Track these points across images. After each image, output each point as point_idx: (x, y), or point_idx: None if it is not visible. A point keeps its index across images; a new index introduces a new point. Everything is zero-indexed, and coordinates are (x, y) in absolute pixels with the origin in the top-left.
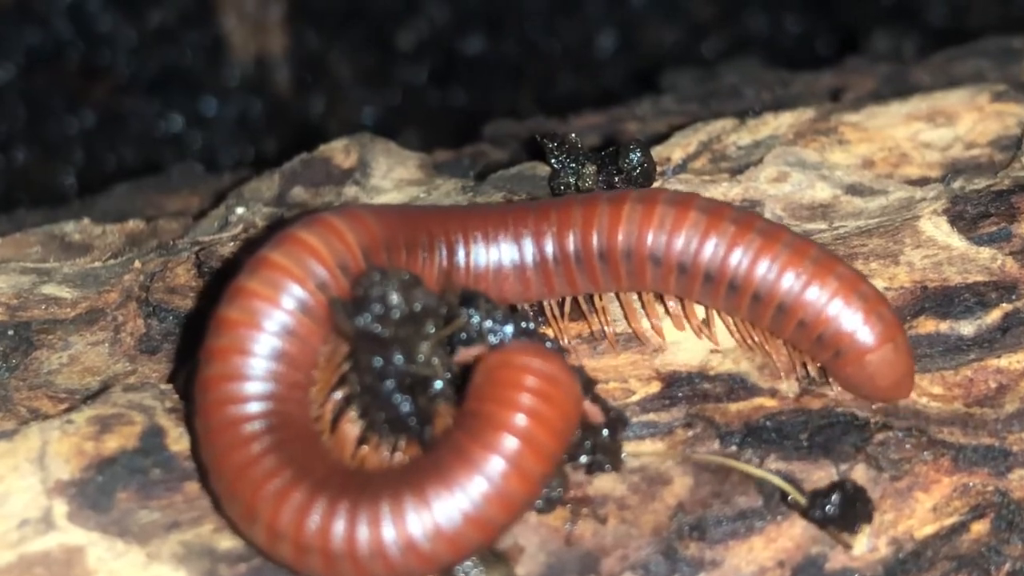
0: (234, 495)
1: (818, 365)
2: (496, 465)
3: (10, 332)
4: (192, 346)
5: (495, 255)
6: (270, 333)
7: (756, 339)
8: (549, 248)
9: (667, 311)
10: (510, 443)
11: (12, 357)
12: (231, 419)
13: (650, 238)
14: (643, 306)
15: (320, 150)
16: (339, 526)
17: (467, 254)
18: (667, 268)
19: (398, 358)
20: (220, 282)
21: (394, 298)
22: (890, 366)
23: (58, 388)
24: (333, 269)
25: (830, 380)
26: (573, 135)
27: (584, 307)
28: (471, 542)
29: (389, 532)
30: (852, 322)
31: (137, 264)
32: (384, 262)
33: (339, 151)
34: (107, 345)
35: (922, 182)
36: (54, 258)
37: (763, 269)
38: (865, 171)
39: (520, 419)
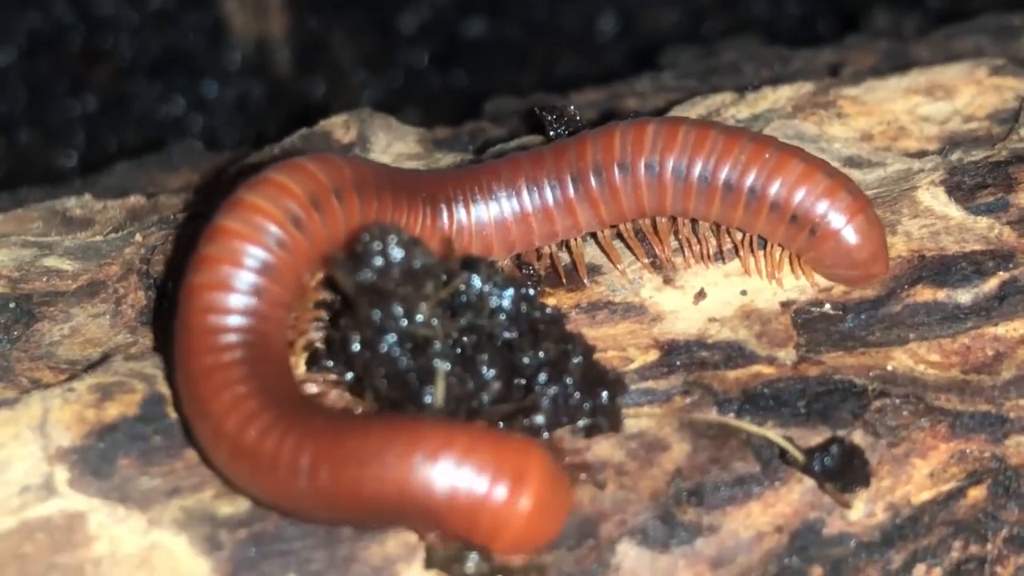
0: (194, 394)
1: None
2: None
3: (11, 304)
4: None
5: (499, 203)
6: (248, 268)
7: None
8: (558, 183)
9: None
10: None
11: (13, 329)
12: (210, 327)
13: (644, 152)
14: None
15: (320, 125)
16: (270, 441)
17: (464, 204)
18: (662, 179)
19: (398, 311)
20: None
21: (395, 252)
22: (865, 236)
23: (59, 359)
24: (306, 206)
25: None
26: (572, 107)
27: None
28: (361, 502)
29: (304, 461)
30: (822, 196)
31: (138, 237)
32: (355, 206)
33: (339, 126)
34: (108, 317)
35: (920, 155)
36: (55, 233)
37: (731, 162)
38: (863, 144)
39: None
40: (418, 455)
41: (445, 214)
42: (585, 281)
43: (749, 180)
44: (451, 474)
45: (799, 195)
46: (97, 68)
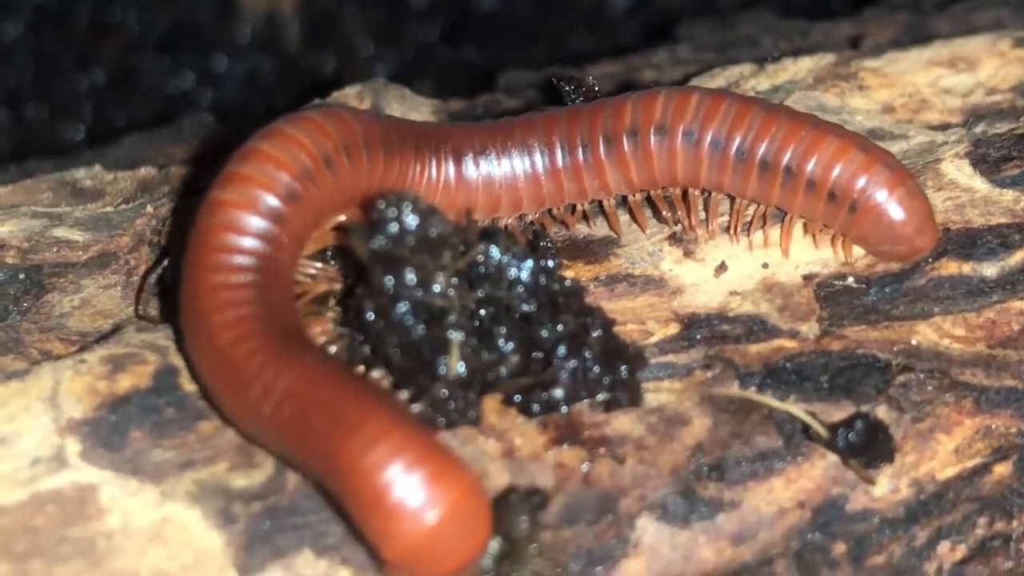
0: (198, 306)
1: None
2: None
3: (21, 276)
4: None
5: (511, 160)
6: (272, 194)
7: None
8: (572, 148)
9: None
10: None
11: (23, 300)
12: (226, 245)
13: (685, 119)
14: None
15: (334, 96)
16: (255, 362)
17: (474, 162)
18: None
19: (411, 279)
20: None
21: (410, 219)
22: (908, 209)
23: (70, 331)
24: (316, 158)
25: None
26: (590, 78)
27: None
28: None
29: (277, 389)
30: (859, 171)
31: (149, 209)
32: (362, 160)
33: (352, 97)
34: (119, 288)
35: (943, 127)
36: (65, 204)
37: (768, 140)
38: (885, 116)
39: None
40: (365, 428)
41: (452, 167)
42: (621, 236)
43: (785, 159)
44: (378, 458)
45: (835, 172)
46: (105, 42)
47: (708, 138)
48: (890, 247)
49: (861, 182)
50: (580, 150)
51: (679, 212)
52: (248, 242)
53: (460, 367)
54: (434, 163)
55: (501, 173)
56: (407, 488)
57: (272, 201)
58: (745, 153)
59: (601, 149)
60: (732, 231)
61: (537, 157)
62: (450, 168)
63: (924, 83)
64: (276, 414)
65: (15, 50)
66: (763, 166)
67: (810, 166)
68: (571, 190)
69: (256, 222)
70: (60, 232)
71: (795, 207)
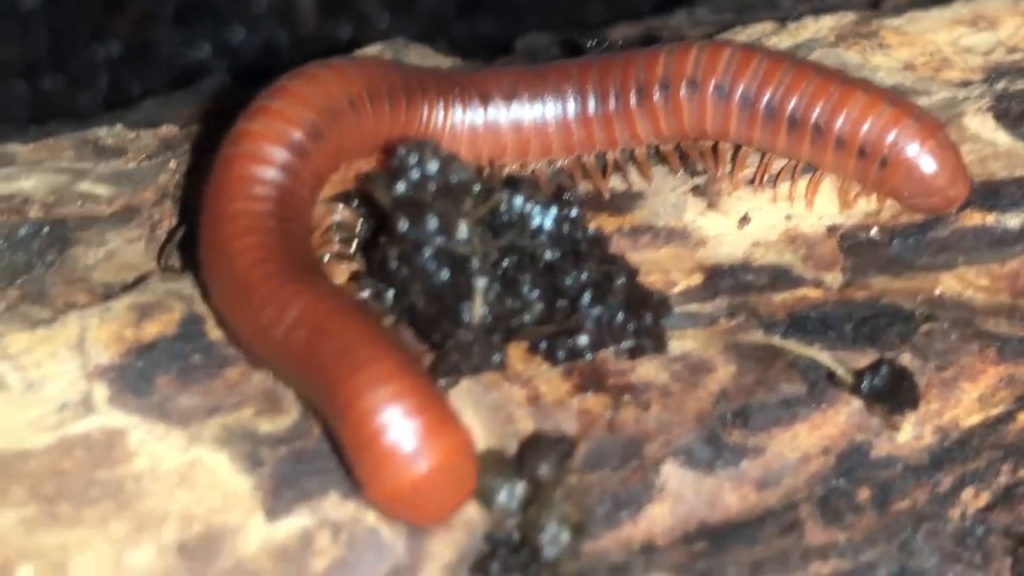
0: (218, 230)
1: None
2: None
3: (45, 230)
4: None
5: (543, 105)
6: (298, 128)
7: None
8: (606, 96)
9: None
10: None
11: (48, 254)
12: (250, 175)
13: (716, 73)
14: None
15: (355, 54)
16: (269, 286)
17: (484, 108)
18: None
19: (434, 223)
20: None
21: (431, 166)
22: (940, 162)
23: (95, 283)
24: (340, 100)
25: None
26: (612, 32)
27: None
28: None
29: (289, 315)
30: (888, 126)
31: (172, 164)
32: (385, 106)
33: (373, 55)
34: (143, 242)
35: (964, 84)
36: (88, 161)
37: (796, 96)
38: (907, 73)
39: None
40: (371, 368)
41: (480, 111)
42: (651, 183)
43: (814, 116)
44: (378, 400)
45: (864, 128)
46: (121, 13)
47: (738, 93)
48: (923, 200)
49: (891, 137)
50: (612, 99)
51: (708, 162)
52: (270, 172)
53: (484, 312)
54: (460, 108)
55: (531, 118)
56: (401, 434)
57: (296, 135)
58: (775, 109)
59: (632, 99)
60: (757, 182)
61: (570, 103)
62: (477, 112)
63: (945, 42)
64: (287, 339)
65: (31, 21)
66: (792, 123)
67: (839, 123)
68: (601, 138)
69: (279, 154)
70: (84, 187)
71: (826, 164)
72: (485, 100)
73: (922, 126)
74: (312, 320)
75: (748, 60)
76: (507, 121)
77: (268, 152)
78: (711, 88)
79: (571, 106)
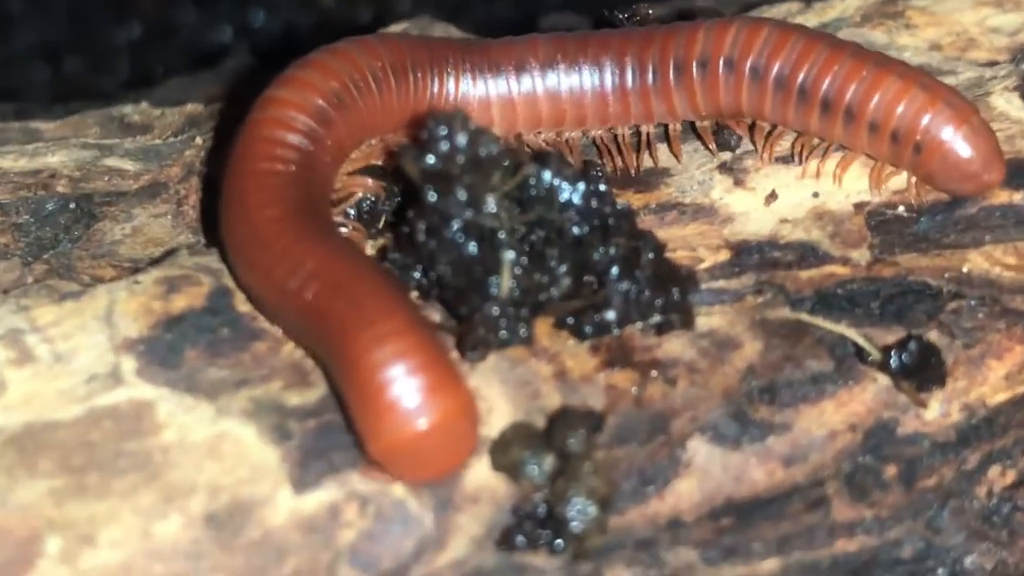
0: (240, 186)
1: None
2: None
3: (72, 205)
4: None
5: (580, 75)
6: (323, 98)
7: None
8: (644, 69)
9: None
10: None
11: (74, 229)
12: (275, 138)
13: (752, 53)
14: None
15: (379, 32)
16: (285, 240)
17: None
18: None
19: (463, 195)
20: None
21: (460, 137)
22: (974, 146)
23: (121, 257)
24: (364, 74)
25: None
26: (645, 5)
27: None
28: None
29: (304, 269)
30: (921, 111)
31: (199, 140)
32: (392, 84)
33: (399, 33)
34: (170, 218)
35: (991, 64)
36: (113, 137)
37: (829, 78)
38: (934, 53)
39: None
40: (380, 324)
41: (512, 79)
42: (680, 158)
43: (847, 99)
44: (385, 355)
45: (897, 113)
46: None
47: (773, 73)
48: (958, 185)
49: (924, 122)
50: (650, 74)
51: (744, 132)
52: (294, 137)
53: (512, 285)
54: (492, 76)
55: (568, 86)
56: (405, 390)
57: (321, 104)
58: (808, 91)
59: (671, 75)
60: (797, 158)
61: (608, 75)
62: (511, 80)
63: (971, 22)
64: (299, 292)
65: (51, 3)
66: (824, 105)
67: (871, 107)
68: (637, 112)
69: (304, 120)
70: (111, 162)
71: (859, 147)
72: (519, 69)
73: (955, 111)
74: (325, 275)
75: (784, 40)
76: (544, 89)
77: (293, 117)
78: (747, 67)
79: (609, 78)
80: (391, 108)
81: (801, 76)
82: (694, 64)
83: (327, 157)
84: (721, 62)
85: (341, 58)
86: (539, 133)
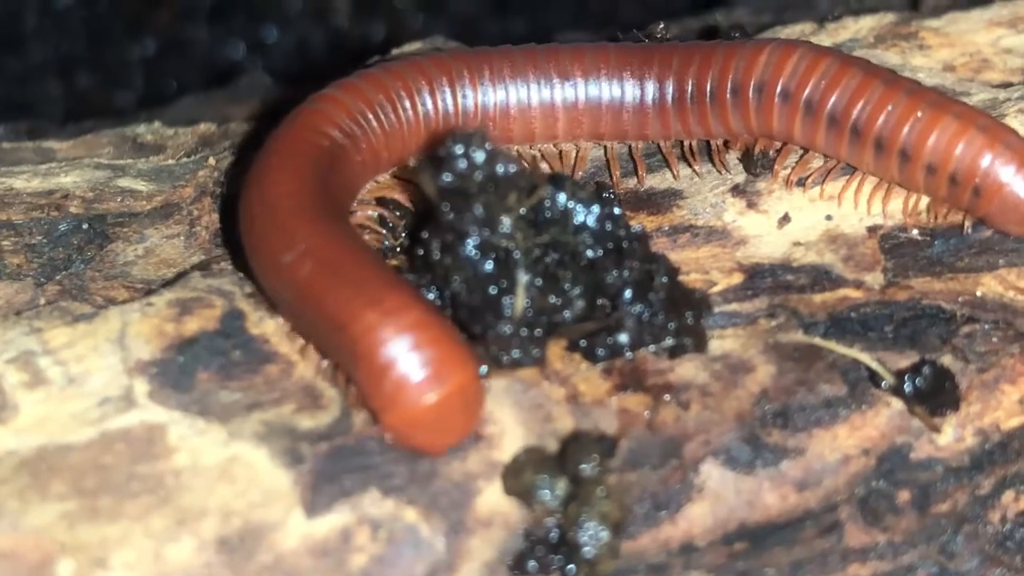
0: (268, 165)
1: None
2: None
3: (84, 225)
4: None
5: (600, 86)
6: (353, 110)
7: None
8: (677, 87)
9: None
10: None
11: (87, 250)
12: (306, 140)
13: (783, 77)
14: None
15: (393, 53)
16: (298, 219)
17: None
18: (793, 107)
19: (479, 212)
20: None
21: (478, 155)
22: None
23: (134, 279)
24: (355, 117)
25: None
26: (660, 25)
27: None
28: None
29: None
30: (979, 154)
31: (212, 161)
32: (398, 109)
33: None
34: (182, 239)
35: (1005, 86)
36: (127, 157)
37: (883, 116)
38: (947, 75)
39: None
40: (387, 302)
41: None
42: (697, 170)
43: (901, 140)
44: (395, 329)
45: (955, 156)
46: (156, 11)
47: (828, 108)
48: (1016, 226)
49: (983, 165)
50: (685, 91)
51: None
52: (334, 132)
53: (525, 305)
54: (510, 86)
55: (585, 98)
56: (418, 363)
57: (367, 111)
58: (861, 132)
59: (708, 99)
60: (807, 183)
61: (629, 88)
62: (530, 90)
63: (985, 43)
64: (310, 273)
65: (67, 19)
66: (878, 146)
67: (927, 149)
68: (655, 129)
69: (348, 120)
70: (124, 182)
71: (916, 187)
72: (538, 78)
73: (1015, 153)
74: (335, 260)
75: (843, 73)
76: (561, 100)
77: (339, 115)
78: (776, 94)
79: (631, 92)
80: (415, 133)
81: (855, 113)
82: (751, 88)
83: (359, 158)
84: (752, 88)
85: (394, 75)
86: (556, 142)
